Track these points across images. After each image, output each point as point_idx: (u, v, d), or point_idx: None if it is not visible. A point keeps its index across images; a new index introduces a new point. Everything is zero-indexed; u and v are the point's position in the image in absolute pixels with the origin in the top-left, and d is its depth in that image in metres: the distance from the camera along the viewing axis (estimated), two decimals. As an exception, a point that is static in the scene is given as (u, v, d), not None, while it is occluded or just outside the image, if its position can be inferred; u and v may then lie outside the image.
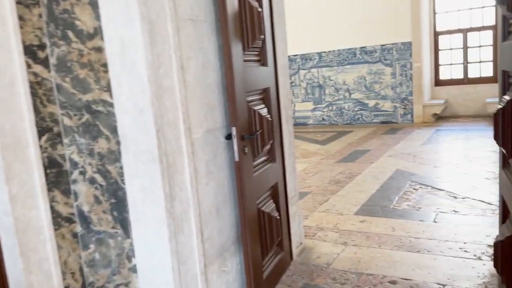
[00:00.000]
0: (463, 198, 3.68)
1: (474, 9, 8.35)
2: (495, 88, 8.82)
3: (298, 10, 9.16)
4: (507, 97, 1.66)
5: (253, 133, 2.16)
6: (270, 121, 2.35)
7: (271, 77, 2.46)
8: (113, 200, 1.91)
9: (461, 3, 8.45)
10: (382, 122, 8.67)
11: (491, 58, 8.36)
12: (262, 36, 2.25)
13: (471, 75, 8.61)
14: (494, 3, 8.14)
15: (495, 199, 3.51)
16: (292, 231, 2.70)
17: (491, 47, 8.32)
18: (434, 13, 8.72)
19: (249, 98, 2.19)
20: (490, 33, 8.29)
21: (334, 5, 8.76)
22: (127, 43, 1.68)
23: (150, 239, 1.80)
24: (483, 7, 8.26)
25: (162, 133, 1.70)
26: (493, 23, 8.22)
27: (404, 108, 8.44)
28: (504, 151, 1.70)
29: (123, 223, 1.91)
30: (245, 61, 2.14)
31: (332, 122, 9.23)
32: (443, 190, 3.95)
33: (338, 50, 8.91)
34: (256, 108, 2.23)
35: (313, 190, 4.32)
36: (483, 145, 5.68)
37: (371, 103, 8.75)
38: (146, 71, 1.65)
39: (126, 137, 1.77)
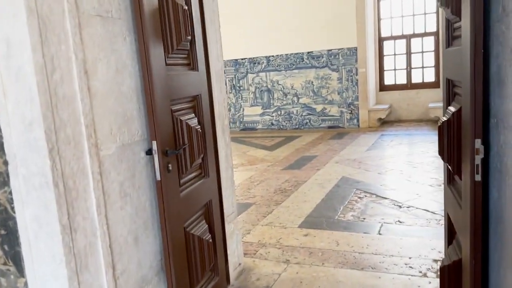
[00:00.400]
0: (407, 207, 3.61)
1: (417, 15, 8.58)
2: (437, 93, 9.17)
3: (245, 13, 8.99)
4: (452, 109, 1.53)
5: (179, 147, 1.90)
6: (200, 132, 2.09)
7: (202, 83, 2.21)
8: (2, 232, 1.58)
9: (405, 10, 8.65)
10: (330, 127, 8.68)
11: (433, 63, 8.62)
12: (189, 37, 2.00)
13: (414, 80, 8.83)
14: (435, 10, 8.41)
15: (439, 208, 3.47)
16: (229, 252, 2.46)
17: (433, 53, 8.58)
18: (379, 19, 8.87)
19: (175, 107, 1.93)
20: (432, 39, 8.54)
21: (281, 9, 8.67)
22: (12, 43, 1.36)
23: (46, 279, 1.48)
24: (425, 13, 8.51)
25: (57, 152, 1.40)
26: (435, 29, 8.48)
27: (350, 113, 8.49)
28: (450, 167, 1.57)
29: (16, 259, 1.58)
30: (169, 64, 1.88)
31: (281, 126, 9.12)
32: (387, 198, 3.88)
33: (286, 54, 8.82)
34: (183, 118, 1.97)
35: (258, 201, 4.11)
36: (426, 150, 5.75)
37: (319, 107, 8.73)
38: (35, 77, 1.34)
39: (15, 156, 1.45)
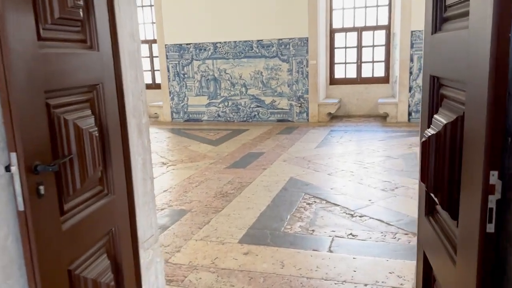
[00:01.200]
0: (360, 216, 3.25)
1: (369, 8, 8.34)
2: (386, 88, 9.06)
3: (191, -6, 8.31)
4: (442, 119, 1.09)
5: (59, 159, 1.33)
6: (97, 136, 1.53)
7: (105, 68, 1.63)
8: None
9: (357, 1, 8.37)
10: (279, 120, 8.28)
11: (383, 58, 8.44)
12: (80, 2, 1.42)
13: (364, 74, 8.62)
14: (387, 2, 8.19)
15: (393, 218, 3.14)
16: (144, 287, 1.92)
17: (384, 47, 8.40)
18: (331, 9, 8.54)
19: (56, 101, 1.35)
20: (383, 33, 8.35)
21: (230, -8, 8.09)
22: None
23: None
24: (377, 6, 8.28)
25: None
26: (386, 22, 8.29)
27: (300, 107, 8.13)
28: (436, 199, 1.14)
29: None
30: (44, 39, 1.29)
31: (228, 118, 8.59)
32: (338, 205, 3.50)
33: (234, 41, 8.27)
34: (70, 117, 1.40)
35: (194, 207, 3.58)
36: (376, 149, 5.49)
37: (268, 100, 8.29)
38: None
39: None
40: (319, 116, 8.05)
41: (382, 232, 2.94)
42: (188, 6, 8.37)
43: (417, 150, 5.27)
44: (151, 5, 9.21)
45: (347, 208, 3.42)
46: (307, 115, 8.09)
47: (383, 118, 8.09)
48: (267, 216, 3.33)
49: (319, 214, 3.32)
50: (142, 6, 9.68)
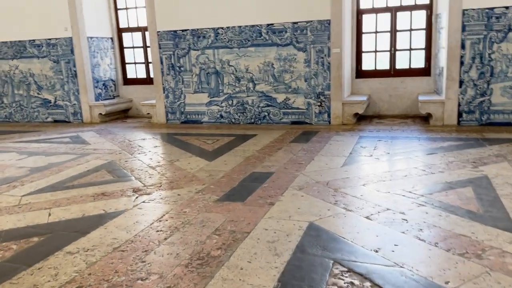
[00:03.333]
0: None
1: (405, -16, 6.75)
2: (427, 82, 7.10)
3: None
4: None
5: None
6: None
7: None
8: None
9: (390, -25, 6.78)
10: (293, 122, 6.79)
11: (423, 45, 6.85)
12: None
13: (399, 65, 7.05)
14: (429, -23, 6.57)
15: None
16: None
17: (424, 32, 6.80)
18: (358, -15, 6.97)
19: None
20: (423, 13, 6.75)
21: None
22: None
23: None
24: (415, -19, 6.68)
25: None
26: (427, 1, 6.68)
27: (319, 106, 6.62)
28: None
29: None
30: None
31: (233, 120, 7.15)
32: (393, 286, 2.03)
33: (239, 27, 6.79)
34: None
35: (150, 289, 2.16)
36: (427, 168, 3.97)
37: (280, 97, 6.80)
38: None
39: None
40: (343, 117, 6.54)
41: None
42: (183, -16, 6.91)
43: (487, 171, 3.73)
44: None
45: (410, 301, 1.95)
46: (329, 116, 6.58)
47: (424, 119, 6.53)
48: (269, 318, 1.88)
49: (363, 316, 1.85)
50: (133, -13, 8.24)
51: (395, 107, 7.08)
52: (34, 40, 8.05)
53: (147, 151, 5.40)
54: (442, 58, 6.19)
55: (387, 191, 3.45)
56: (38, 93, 8.28)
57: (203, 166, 4.52)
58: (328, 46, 6.39)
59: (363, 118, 6.93)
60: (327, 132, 6.02)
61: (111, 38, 8.47)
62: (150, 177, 4.20)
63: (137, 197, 3.58)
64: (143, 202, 3.46)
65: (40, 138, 6.69)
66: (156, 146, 5.68)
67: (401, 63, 7.01)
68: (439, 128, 5.90)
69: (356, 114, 6.58)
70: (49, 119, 8.32)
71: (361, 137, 5.60)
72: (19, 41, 8.16)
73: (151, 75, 7.91)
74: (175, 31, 7.15)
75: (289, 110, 6.80)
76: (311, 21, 6.40)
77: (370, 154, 4.69)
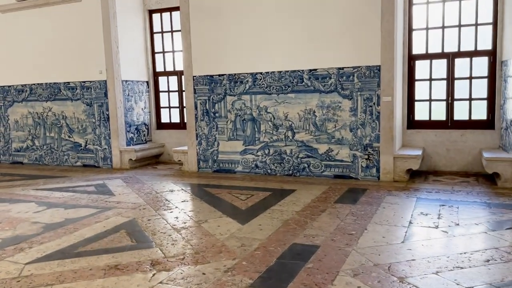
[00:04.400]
0: None
1: (466, 27, 6.10)
2: (491, 136, 5.64)
3: (225, 10, 6.54)
4: None
5: None
6: None
7: None
8: None
9: (448, 18, 6.18)
10: (336, 176, 6.10)
11: (485, 94, 6.10)
12: None
13: (457, 116, 6.29)
14: (492, 19, 5.92)
15: None
16: None
17: (486, 80, 6.07)
18: (410, 29, 6.40)
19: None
20: (485, 60, 6.05)
21: (277, 7, 6.21)
22: None
23: None
24: (477, 24, 6.03)
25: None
26: (490, 46, 6.00)
27: (367, 159, 5.92)
28: None
29: None
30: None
31: (269, 171, 6.54)
32: None
33: (279, 72, 6.32)
34: None
35: None
36: (516, 251, 3.16)
37: (322, 148, 6.17)
38: None
39: None
40: (394, 173, 5.78)
41: None
42: (220, 27, 6.58)
43: None
44: (172, 31, 7.60)
45: None
46: (378, 171, 5.85)
47: (488, 178, 5.68)
48: None
49: None
50: (172, 32, 8.07)
51: (454, 162, 6.26)
52: (69, 83, 7.92)
53: (174, 206, 4.83)
54: (510, 110, 5.41)
55: (471, 285, 2.66)
56: (69, 136, 8.05)
57: (235, 231, 3.88)
58: (377, 93, 5.77)
59: (417, 174, 6.14)
60: (377, 191, 5.28)
61: (147, 82, 8.24)
62: (173, 244, 3.60)
63: (154, 274, 2.97)
64: (160, 283, 2.84)
65: (65, 185, 6.31)
66: (184, 201, 5.12)
67: (460, 113, 6.26)
68: (510, 191, 5.04)
69: (409, 170, 5.82)
70: (78, 163, 8.02)
71: (419, 199, 4.82)
72: (54, 83, 8.06)
73: (185, 120, 7.52)
74: (211, 76, 6.77)
75: (331, 163, 6.13)
76: (359, 66, 5.83)
77: (435, 224, 3.91)
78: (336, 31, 5.89)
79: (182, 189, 5.77)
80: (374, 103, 5.80)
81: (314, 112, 6.16)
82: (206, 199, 5.13)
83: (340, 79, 5.96)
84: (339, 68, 5.95)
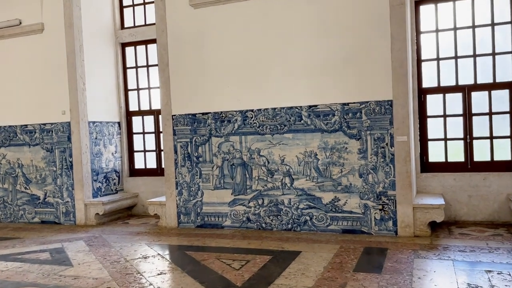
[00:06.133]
0: None
1: (482, 56, 5.44)
2: None
3: (212, 39, 5.72)
4: None
5: None
6: None
7: None
8: None
9: (461, 47, 5.52)
10: (345, 231, 5.13)
11: (507, 131, 5.36)
12: None
13: (477, 157, 5.50)
14: (511, 48, 5.28)
15: None
16: None
17: (508, 115, 5.35)
18: (419, 59, 5.70)
19: None
20: (506, 93, 5.36)
21: (266, 31, 5.42)
22: None
23: None
24: (495, 53, 5.37)
25: None
26: (510, 78, 5.32)
27: (381, 210, 4.99)
28: None
29: None
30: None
31: (263, 225, 5.52)
32: None
33: (274, 109, 5.45)
34: None
35: None
36: None
37: (327, 197, 5.22)
38: None
39: None
40: (415, 226, 4.86)
41: None
42: (204, 59, 5.74)
43: None
44: (148, 65, 6.71)
45: None
46: (395, 224, 4.92)
47: (529, 231, 4.81)
48: None
49: None
50: (147, 66, 7.18)
51: (477, 211, 5.40)
52: (26, 125, 6.83)
53: (147, 283, 3.72)
54: (545, 149, 4.64)
55: None
56: (25, 188, 6.86)
57: (233, 324, 2.81)
58: (390, 132, 4.93)
59: (437, 225, 5.24)
60: (400, 251, 4.31)
61: (118, 123, 7.23)
62: None
63: None
64: None
65: (14, 251, 5.10)
66: (160, 273, 4.01)
67: (480, 154, 5.48)
68: (561, 248, 4.17)
69: (430, 223, 4.91)
70: (36, 219, 6.79)
71: (456, 263, 3.87)
72: (9, 126, 6.95)
73: (163, 165, 6.49)
74: (193, 115, 5.84)
75: (338, 214, 5.17)
76: (367, 102, 5.02)
77: (498, 305, 2.95)
78: (340, 61, 5.11)
79: (159, 254, 4.66)
80: (386, 144, 4.95)
81: (316, 154, 5.26)
82: (190, 270, 4.04)
83: (345, 117, 5.12)
84: (344, 104, 5.12)
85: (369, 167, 5.03)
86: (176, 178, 5.94)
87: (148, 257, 4.55)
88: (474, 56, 5.43)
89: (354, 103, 5.08)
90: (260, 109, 5.50)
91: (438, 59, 5.61)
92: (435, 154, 5.67)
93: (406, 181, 4.87)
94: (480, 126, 5.46)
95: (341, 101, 5.14)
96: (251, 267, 4.00)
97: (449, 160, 5.60)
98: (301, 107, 5.31)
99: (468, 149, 5.50)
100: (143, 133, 7.28)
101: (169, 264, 4.31)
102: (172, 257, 4.59)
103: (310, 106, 5.27)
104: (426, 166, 5.68)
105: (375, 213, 5.02)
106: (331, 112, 5.18)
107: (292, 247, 4.64)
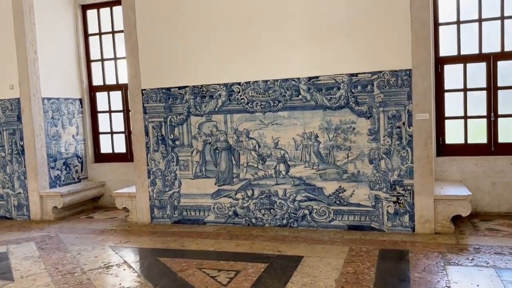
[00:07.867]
0: None
1: (510, 19, 4.60)
2: None
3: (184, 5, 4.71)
4: None
5: None
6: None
7: None
8: None
9: (484, 10, 4.66)
10: (352, 227, 4.30)
11: (544, 109, 4.60)
12: None
13: (502, 138, 4.73)
14: (551, 8, 4.45)
15: None
16: None
17: (543, 90, 4.57)
18: (436, 23, 4.82)
19: None
20: (541, 63, 4.56)
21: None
22: None
23: None
24: (529, 15, 4.54)
25: None
26: (548, 45, 4.52)
27: (396, 203, 4.17)
28: None
29: None
30: None
31: (253, 220, 4.65)
32: None
33: (266, 81, 4.50)
34: None
35: None
36: None
37: (330, 187, 4.37)
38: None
39: None
40: (436, 221, 4.06)
41: None
42: (181, 22, 4.72)
43: None
44: (113, 31, 5.59)
45: None
46: (411, 219, 4.11)
47: None
48: None
49: None
50: (113, 33, 6.10)
51: (502, 201, 4.66)
52: (-35, 102, 5.70)
53: (109, 306, 2.80)
54: None
55: None
56: (-33, 177, 5.77)
57: None
58: (408, 109, 4.07)
59: (457, 218, 4.46)
60: (424, 254, 3.51)
61: (80, 100, 6.15)
62: None
63: None
64: None
65: None
66: (132, 284, 3.09)
67: (507, 135, 4.70)
68: None
69: (453, 218, 4.12)
70: (-18, 214, 5.75)
71: (500, 271, 3.10)
72: None
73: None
74: (168, 89, 4.84)
75: (344, 208, 4.34)
76: (380, 72, 4.13)
77: None
78: (346, 22, 4.19)
79: (125, 261, 3.73)
80: (403, 123, 4.10)
81: (317, 136, 4.37)
82: (164, 284, 3.13)
83: (353, 90, 4.22)
84: (351, 75, 4.22)
85: (382, 151, 4.18)
86: (148, 165, 4.98)
87: (112, 266, 3.62)
88: (502, 18, 4.59)
89: (364, 73, 4.18)
90: (249, 82, 4.55)
91: (458, 22, 4.75)
92: (453, 134, 4.86)
93: (426, 168, 4.04)
94: (506, 102, 4.68)
95: (348, 71, 4.23)
96: (242, 281, 3.13)
97: (469, 141, 4.81)
98: (299, 79, 4.38)
99: (492, 129, 4.71)
100: (110, 111, 6.23)
101: (137, 277, 3.38)
102: (142, 265, 3.66)
103: (310, 78, 4.34)
104: (443, 148, 4.88)
105: (388, 206, 4.19)
106: (336, 85, 4.27)
107: (291, 251, 3.79)
